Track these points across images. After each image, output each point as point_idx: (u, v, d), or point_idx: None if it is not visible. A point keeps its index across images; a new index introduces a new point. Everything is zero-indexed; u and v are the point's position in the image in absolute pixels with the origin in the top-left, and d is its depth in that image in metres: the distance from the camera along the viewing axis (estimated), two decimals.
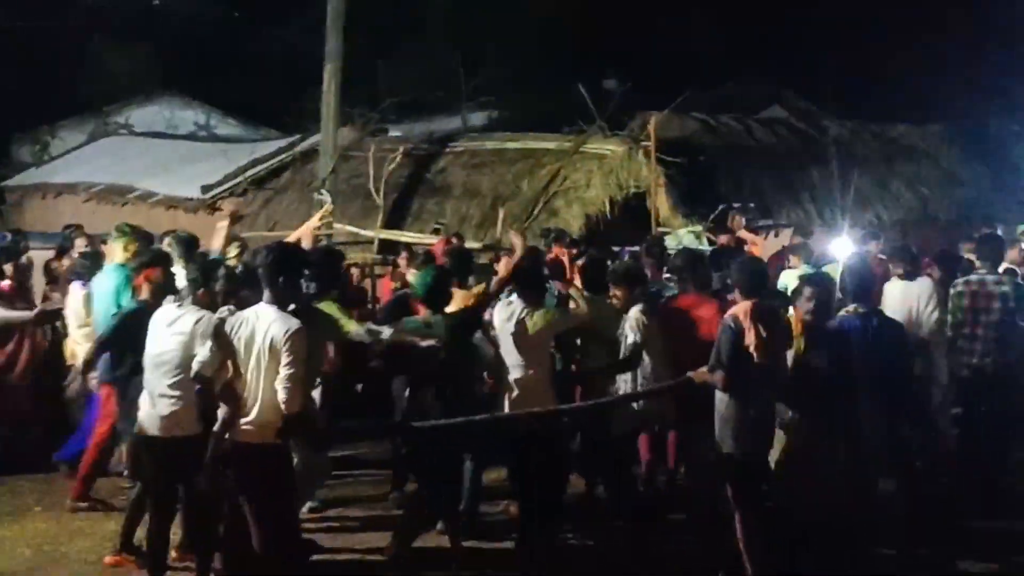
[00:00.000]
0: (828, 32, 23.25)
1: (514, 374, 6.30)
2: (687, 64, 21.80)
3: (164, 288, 6.32)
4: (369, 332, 6.27)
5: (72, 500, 7.49)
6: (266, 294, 5.20)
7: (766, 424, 5.94)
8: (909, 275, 8.55)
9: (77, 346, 8.11)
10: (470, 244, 11.53)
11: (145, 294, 6.47)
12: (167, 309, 5.89)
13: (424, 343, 6.22)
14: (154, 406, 5.76)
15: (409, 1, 24.56)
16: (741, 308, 5.91)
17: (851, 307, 6.69)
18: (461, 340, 6.42)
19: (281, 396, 4.99)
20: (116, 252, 7.77)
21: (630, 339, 6.71)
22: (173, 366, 5.71)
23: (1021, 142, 18.01)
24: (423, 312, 6.51)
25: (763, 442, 5.94)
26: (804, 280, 6.49)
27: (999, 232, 10.59)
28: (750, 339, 5.75)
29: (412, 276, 8.47)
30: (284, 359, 4.98)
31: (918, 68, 21.15)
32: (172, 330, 5.75)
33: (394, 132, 18.27)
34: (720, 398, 5.86)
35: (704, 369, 5.93)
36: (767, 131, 17.48)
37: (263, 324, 5.06)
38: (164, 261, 6.65)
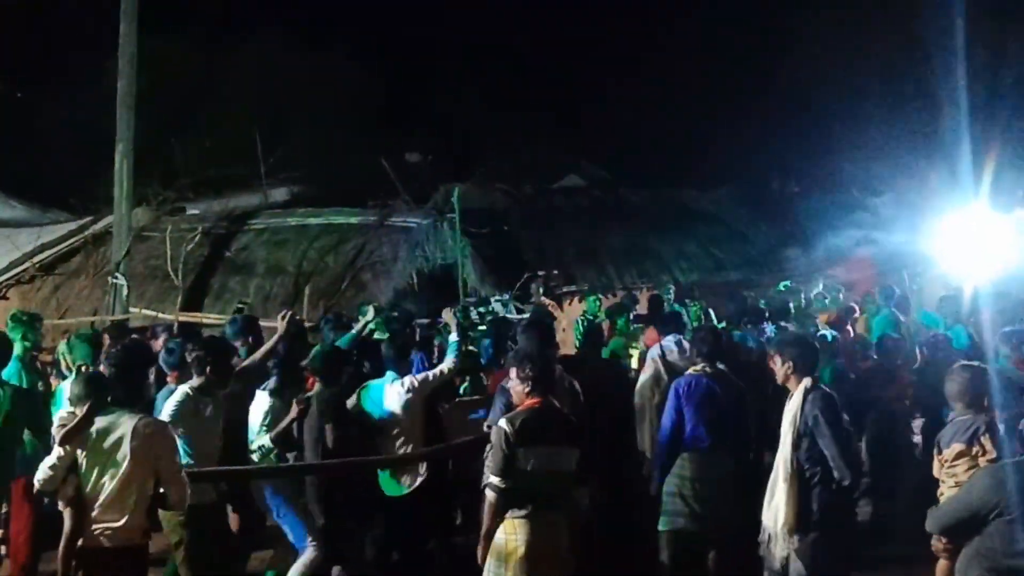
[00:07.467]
0: (623, 103, 24.28)
1: None
2: (487, 136, 22.24)
3: None
4: None
5: None
6: (118, 394, 5.06)
7: None
8: None
9: None
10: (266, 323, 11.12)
11: None
12: None
13: None
14: None
15: (203, 75, 24.02)
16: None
17: (699, 365, 6.41)
18: None
19: (175, 497, 4.95)
20: None
21: None
22: None
23: (800, 201, 19.25)
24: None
25: None
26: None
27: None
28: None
29: None
30: (163, 460, 4.91)
31: (707, 135, 22.31)
32: None
33: (192, 211, 17.70)
34: None
35: None
36: (567, 199, 18.00)
37: (125, 428, 4.88)
38: None
